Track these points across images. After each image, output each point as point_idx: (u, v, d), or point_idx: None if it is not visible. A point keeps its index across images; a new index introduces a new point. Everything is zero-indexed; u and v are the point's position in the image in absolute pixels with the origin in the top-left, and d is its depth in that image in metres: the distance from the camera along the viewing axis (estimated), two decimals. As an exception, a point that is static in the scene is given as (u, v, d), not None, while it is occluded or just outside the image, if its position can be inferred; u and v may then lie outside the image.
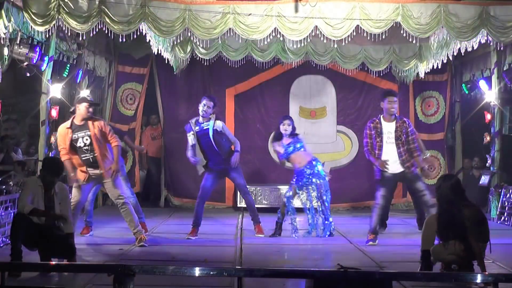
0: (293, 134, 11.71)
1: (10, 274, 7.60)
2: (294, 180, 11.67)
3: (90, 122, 10.48)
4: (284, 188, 15.51)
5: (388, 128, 10.78)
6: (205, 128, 11.56)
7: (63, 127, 10.55)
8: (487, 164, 14.55)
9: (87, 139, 10.45)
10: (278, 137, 11.76)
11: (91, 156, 10.46)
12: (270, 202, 15.51)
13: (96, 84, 15.20)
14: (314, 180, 11.61)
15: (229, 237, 11.75)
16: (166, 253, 10.05)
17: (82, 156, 10.43)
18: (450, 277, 7.12)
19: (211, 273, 5.92)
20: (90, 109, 10.53)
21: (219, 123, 11.62)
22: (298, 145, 11.63)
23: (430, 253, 8.18)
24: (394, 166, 10.75)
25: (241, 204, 15.07)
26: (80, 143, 10.42)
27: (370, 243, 10.72)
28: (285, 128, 11.66)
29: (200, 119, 11.61)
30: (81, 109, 10.45)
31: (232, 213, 15.36)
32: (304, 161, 11.64)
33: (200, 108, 11.59)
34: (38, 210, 8.57)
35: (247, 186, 12.20)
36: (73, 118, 10.52)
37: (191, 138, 11.58)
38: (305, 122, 16.08)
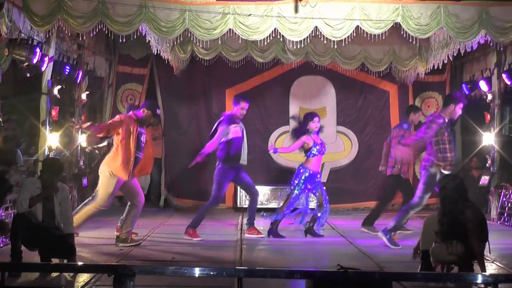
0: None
1: (10, 275, 7.61)
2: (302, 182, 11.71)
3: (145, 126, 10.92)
4: (282, 189, 15.56)
5: None
6: (240, 128, 11.71)
7: (130, 117, 10.76)
8: (486, 165, 14.54)
9: (144, 138, 10.71)
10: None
11: (140, 155, 10.69)
12: (269, 202, 15.52)
13: (96, 84, 15.19)
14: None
15: (229, 237, 11.75)
16: (166, 254, 10.05)
17: (136, 152, 10.60)
18: (450, 277, 7.13)
19: (211, 273, 5.93)
20: (152, 120, 11.01)
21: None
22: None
23: (430, 254, 8.20)
24: None
25: (241, 204, 15.10)
26: (142, 138, 10.68)
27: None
28: (316, 125, 11.73)
29: (235, 119, 11.73)
30: (146, 115, 10.75)
31: (232, 213, 15.35)
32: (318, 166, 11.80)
33: (240, 111, 11.70)
34: (34, 197, 8.57)
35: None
36: (138, 114, 10.70)
37: (233, 131, 11.61)
38: (305, 123, 16.07)
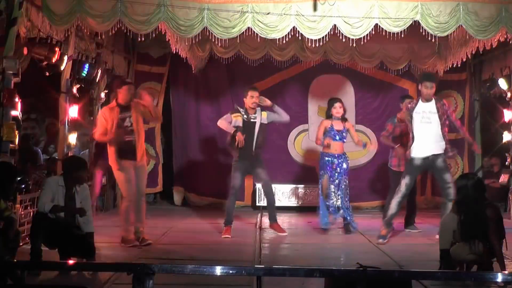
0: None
1: (30, 273, 7.64)
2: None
3: (132, 104, 10.67)
4: (302, 187, 15.59)
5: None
6: (252, 120, 11.70)
7: (107, 108, 10.74)
8: (506, 163, 14.47)
9: (130, 121, 10.61)
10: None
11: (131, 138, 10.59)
12: (288, 201, 15.53)
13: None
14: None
15: (248, 235, 11.75)
16: (185, 252, 10.06)
17: (126, 138, 10.54)
18: (470, 276, 7.09)
19: (230, 272, 5.91)
20: (132, 91, 10.72)
21: (264, 115, 11.79)
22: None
23: (449, 252, 8.16)
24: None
25: (260, 203, 15.08)
26: (127, 123, 10.59)
27: (380, 240, 10.76)
28: (336, 111, 11.92)
29: (249, 110, 11.76)
30: (123, 92, 10.66)
31: (251, 211, 15.35)
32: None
33: (248, 100, 11.76)
34: (58, 206, 8.61)
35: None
36: (117, 99, 10.72)
37: (238, 120, 11.71)
38: (324, 121, 16.06)
